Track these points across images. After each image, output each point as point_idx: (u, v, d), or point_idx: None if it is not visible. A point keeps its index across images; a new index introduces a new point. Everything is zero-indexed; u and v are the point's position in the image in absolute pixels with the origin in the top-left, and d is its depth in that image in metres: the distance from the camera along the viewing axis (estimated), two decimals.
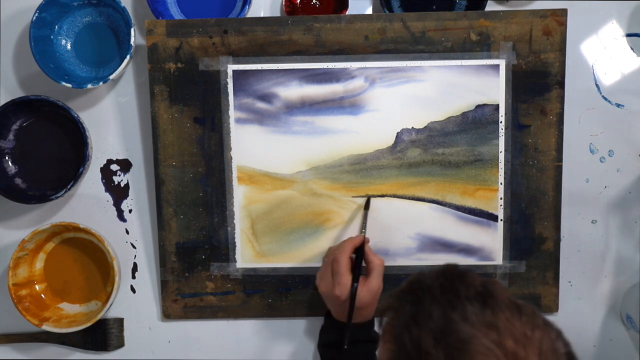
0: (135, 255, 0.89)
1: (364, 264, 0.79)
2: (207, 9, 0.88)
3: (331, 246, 0.82)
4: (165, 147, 0.85)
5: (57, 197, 0.82)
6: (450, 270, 0.56)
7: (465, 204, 0.85)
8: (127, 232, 0.89)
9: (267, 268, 0.86)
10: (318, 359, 0.88)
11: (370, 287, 0.77)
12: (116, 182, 0.89)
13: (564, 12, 0.83)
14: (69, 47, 0.87)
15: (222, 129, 0.85)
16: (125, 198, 0.89)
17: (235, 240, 0.86)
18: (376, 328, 0.80)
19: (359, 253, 0.78)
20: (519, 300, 0.53)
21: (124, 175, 0.89)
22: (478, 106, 0.84)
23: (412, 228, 0.85)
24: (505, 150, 0.84)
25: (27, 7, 0.86)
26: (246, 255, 0.86)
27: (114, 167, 0.89)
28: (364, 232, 0.82)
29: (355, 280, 0.75)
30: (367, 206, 0.84)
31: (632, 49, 0.89)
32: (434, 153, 0.85)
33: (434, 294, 0.53)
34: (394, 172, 0.85)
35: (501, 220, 0.85)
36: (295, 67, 0.84)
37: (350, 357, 0.78)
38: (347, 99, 0.84)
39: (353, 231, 0.85)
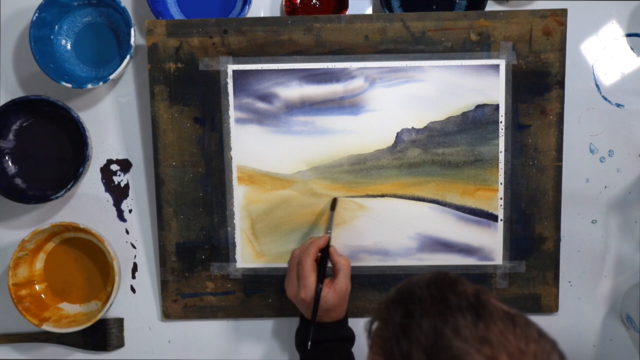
0: (135, 255, 0.89)
1: (330, 265, 0.79)
2: (207, 9, 0.88)
3: (294, 249, 0.80)
4: (165, 147, 0.85)
5: (57, 197, 0.82)
6: (441, 279, 0.54)
7: (465, 204, 0.85)
8: (127, 232, 0.89)
9: (267, 268, 0.86)
10: None
11: (337, 289, 0.76)
12: (116, 182, 0.89)
13: (564, 12, 0.83)
14: (69, 47, 0.88)
15: (222, 129, 0.85)
16: (125, 198, 0.89)
17: (235, 240, 0.86)
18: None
19: (324, 254, 0.78)
20: (512, 310, 0.52)
21: (124, 175, 0.89)
22: (478, 106, 0.84)
23: (412, 228, 0.85)
24: (505, 150, 0.84)
25: (27, 7, 0.86)
26: (246, 255, 0.86)
27: (114, 167, 0.89)
28: (330, 233, 0.81)
29: (320, 281, 0.75)
30: (333, 207, 0.84)
31: (632, 49, 0.89)
32: (434, 153, 0.85)
33: (424, 306, 0.51)
34: (394, 172, 0.85)
35: (501, 220, 0.85)
36: (295, 67, 0.84)
37: (323, 356, 0.77)
38: (347, 99, 0.84)
39: (353, 231, 0.85)
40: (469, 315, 0.50)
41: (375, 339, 0.55)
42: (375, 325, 0.56)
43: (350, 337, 0.80)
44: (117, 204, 0.89)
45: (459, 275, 0.56)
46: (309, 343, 0.74)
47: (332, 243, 0.80)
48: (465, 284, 0.53)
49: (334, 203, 0.84)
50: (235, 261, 0.86)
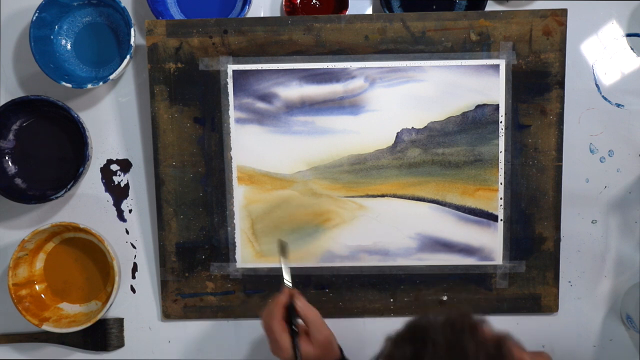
0: (135, 255, 0.89)
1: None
2: (207, 9, 0.88)
3: (263, 311, 0.75)
4: (165, 147, 0.85)
5: (57, 197, 0.82)
6: (460, 321, 0.49)
7: (465, 204, 0.85)
8: (127, 232, 0.89)
9: (267, 268, 0.86)
10: None
11: (315, 342, 0.72)
12: (116, 182, 0.89)
13: (564, 12, 0.83)
14: (69, 47, 0.88)
15: (222, 129, 0.85)
16: (125, 198, 0.89)
17: (235, 240, 0.86)
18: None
19: (291, 314, 0.73)
20: None
21: (124, 175, 0.89)
22: (478, 106, 0.84)
23: (412, 228, 0.85)
24: (505, 150, 0.84)
25: (27, 7, 0.86)
26: (246, 255, 0.86)
27: (114, 167, 0.89)
28: (288, 283, 0.76)
29: (295, 348, 0.71)
30: (283, 251, 0.78)
31: (632, 49, 0.89)
32: (434, 153, 0.85)
33: (438, 351, 0.46)
34: (394, 172, 0.85)
35: (501, 220, 0.85)
36: (295, 67, 0.84)
37: None
38: (347, 99, 0.84)
39: (353, 231, 0.85)
40: None
41: None
42: None
43: None
44: (117, 204, 0.89)
45: (481, 318, 0.50)
46: None
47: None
48: (487, 329, 0.49)
49: (282, 247, 0.78)
50: (235, 261, 0.86)
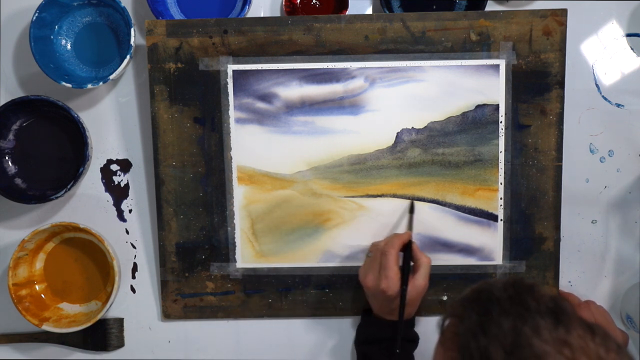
0: (135, 255, 0.89)
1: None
2: (207, 9, 0.88)
3: (375, 241, 0.82)
4: (165, 147, 0.85)
5: (57, 197, 0.82)
6: (518, 283, 0.54)
7: (465, 204, 0.85)
8: (127, 232, 0.89)
9: (267, 268, 0.86)
10: (318, 359, 0.88)
11: (417, 285, 0.77)
12: (116, 182, 0.89)
13: (564, 12, 0.83)
14: (69, 47, 0.88)
15: (222, 129, 0.85)
16: (125, 198, 0.89)
17: (235, 240, 0.86)
18: (416, 327, 0.82)
19: (407, 251, 0.79)
20: (590, 321, 0.52)
21: (124, 175, 0.89)
22: (478, 106, 0.84)
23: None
24: (505, 150, 0.84)
25: (27, 7, 0.86)
26: (246, 255, 0.86)
27: (114, 167, 0.89)
28: (411, 231, 0.82)
29: (404, 282, 0.76)
30: (411, 210, 0.84)
31: (632, 49, 0.89)
32: (434, 153, 0.85)
33: (503, 305, 0.51)
34: (394, 172, 0.85)
35: (501, 220, 0.85)
36: (295, 67, 0.84)
37: (384, 355, 0.77)
38: (347, 99, 0.84)
39: (353, 231, 0.85)
40: (549, 319, 0.50)
41: (448, 335, 0.55)
42: (447, 322, 0.56)
43: (415, 339, 0.80)
44: (117, 204, 0.89)
45: (535, 282, 0.56)
46: (397, 347, 0.74)
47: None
48: (542, 290, 0.54)
49: (412, 206, 0.84)
50: (235, 261, 0.86)
